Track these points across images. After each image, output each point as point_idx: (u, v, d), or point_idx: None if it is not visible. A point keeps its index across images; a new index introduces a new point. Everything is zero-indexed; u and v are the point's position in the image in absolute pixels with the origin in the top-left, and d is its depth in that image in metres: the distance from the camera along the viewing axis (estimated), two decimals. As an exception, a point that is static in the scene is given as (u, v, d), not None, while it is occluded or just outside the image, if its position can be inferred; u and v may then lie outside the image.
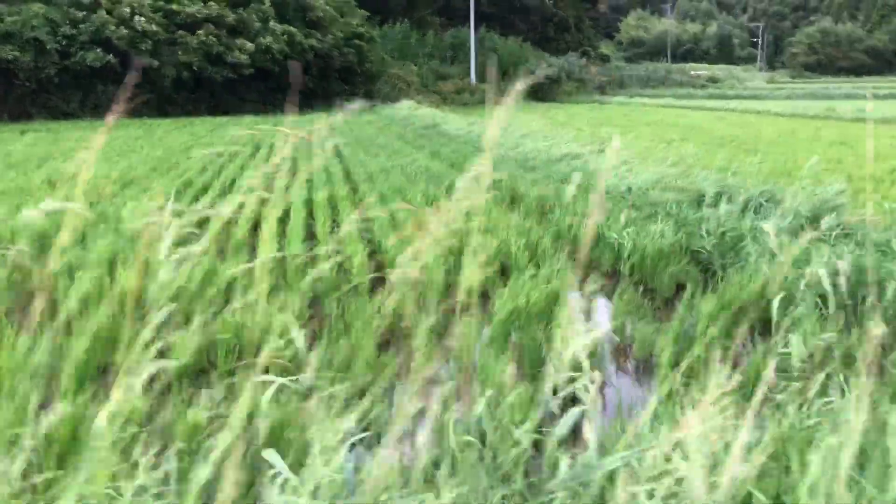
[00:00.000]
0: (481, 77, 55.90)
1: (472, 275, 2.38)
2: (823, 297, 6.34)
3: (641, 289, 7.23)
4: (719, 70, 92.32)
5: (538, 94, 57.03)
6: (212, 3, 34.47)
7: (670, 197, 9.93)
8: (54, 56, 30.88)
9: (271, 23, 36.95)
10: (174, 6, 33.40)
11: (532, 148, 16.61)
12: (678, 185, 10.52)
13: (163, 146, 18.86)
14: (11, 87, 30.99)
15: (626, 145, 16.13)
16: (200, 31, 33.50)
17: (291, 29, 37.95)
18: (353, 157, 16.53)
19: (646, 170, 12.06)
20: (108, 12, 31.65)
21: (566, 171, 13.35)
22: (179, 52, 33.18)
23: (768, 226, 7.96)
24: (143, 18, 32.21)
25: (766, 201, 9.24)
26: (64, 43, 31.02)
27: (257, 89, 38.19)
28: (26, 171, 13.67)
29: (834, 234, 7.82)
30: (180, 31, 33.34)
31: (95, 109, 33.14)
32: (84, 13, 31.60)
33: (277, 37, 36.85)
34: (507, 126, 21.21)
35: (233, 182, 12.93)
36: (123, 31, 31.93)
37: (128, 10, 32.04)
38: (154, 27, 32.27)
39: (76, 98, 32.75)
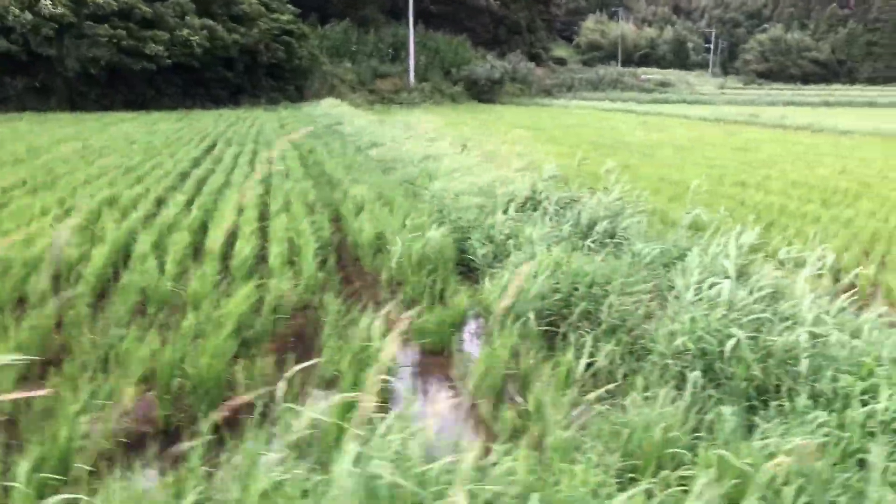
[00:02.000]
0: (421, 76, 55.28)
1: None
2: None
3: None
4: (671, 74, 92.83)
5: (481, 95, 56.63)
6: (124, -4, 33.28)
7: (476, 202, 9.36)
8: (-51, 44, 29.57)
9: (188, 17, 35.86)
10: (83, -6, 32.13)
11: (407, 149, 15.98)
12: (494, 190, 9.95)
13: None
14: None
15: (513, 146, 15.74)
16: (107, 24, 32.25)
17: (211, 23, 36.92)
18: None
19: (486, 173, 11.50)
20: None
21: (415, 172, 12.74)
22: (85, 46, 31.90)
23: (535, 233, 7.44)
24: (49, 2, 30.84)
25: (563, 207, 8.70)
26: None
27: (177, 83, 37.12)
28: None
29: (603, 241, 7.32)
30: (88, 22, 32.06)
31: (4, 101, 31.89)
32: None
33: (196, 30, 35.79)
34: (403, 126, 20.62)
35: None
36: (25, 15, 30.56)
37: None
38: (59, 11, 30.86)
39: (-26, 89, 31.45)
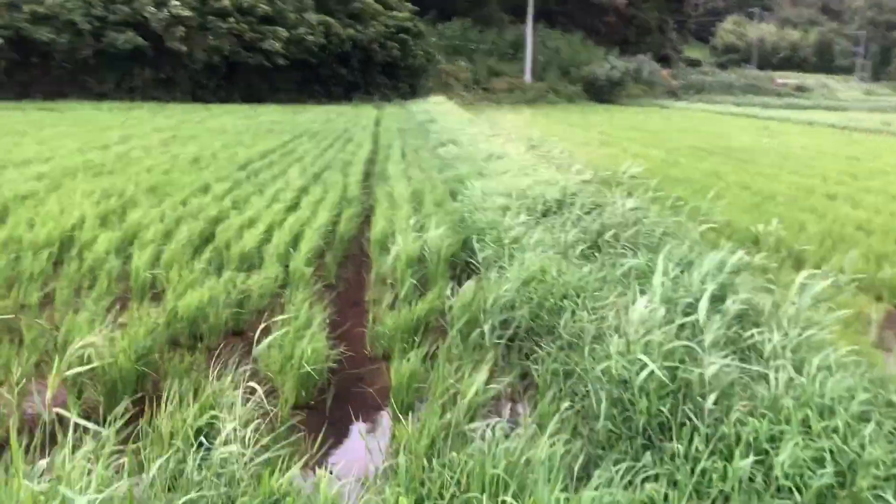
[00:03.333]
0: (539, 76, 54.60)
1: None
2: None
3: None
4: (810, 79, 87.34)
5: (600, 95, 55.31)
6: (244, -6, 34.76)
7: (500, 203, 8.99)
8: (89, 38, 31.77)
9: (308, 13, 36.96)
10: (206, -7, 33.82)
11: (476, 149, 15.72)
12: (527, 192, 9.54)
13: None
14: (49, 67, 32.08)
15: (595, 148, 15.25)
16: (231, 19, 33.80)
17: (329, 20, 37.89)
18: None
19: (536, 174, 11.10)
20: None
21: (467, 171, 12.47)
22: (210, 37, 33.56)
23: (532, 238, 7.05)
24: (178, 3, 32.72)
25: (587, 213, 8.19)
26: (97, 24, 31.85)
27: (293, 78, 38.34)
28: None
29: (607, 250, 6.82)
30: (210, 17, 33.70)
31: (131, 92, 34.01)
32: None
33: (314, 28, 36.84)
34: (490, 125, 20.37)
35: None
36: (159, 14, 32.54)
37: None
38: (187, 12, 32.71)
39: (111, 79, 33.62)
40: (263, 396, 3.72)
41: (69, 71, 32.55)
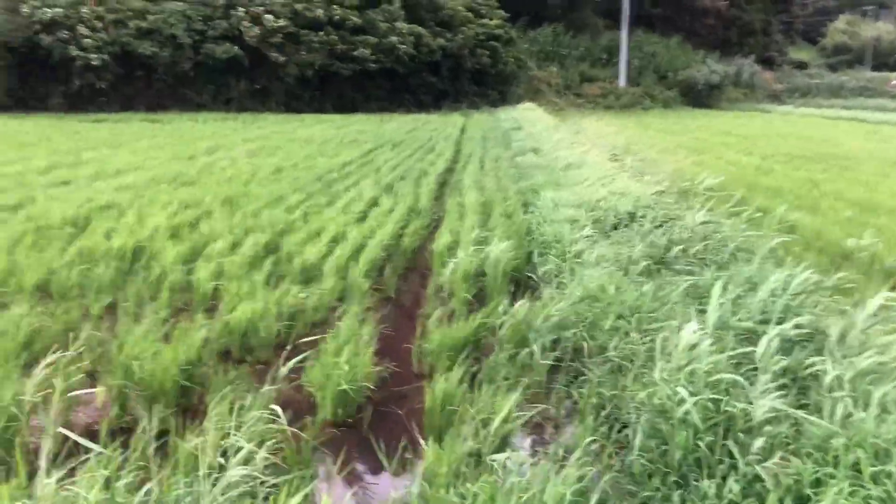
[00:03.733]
0: (634, 80, 53.45)
1: None
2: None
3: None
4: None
5: (697, 100, 53.69)
6: (335, 7, 35.53)
7: (569, 214, 8.76)
8: (188, 51, 33.21)
9: (398, 23, 37.45)
10: (298, 6, 34.71)
11: (556, 157, 15.49)
12: (600, 203, 9.26)
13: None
14: (151, 81, 33.71)
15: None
16: (322, 32, 34.66)
17: (419, 29, 38.26)
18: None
19: (613, 184, 10.80)
20: (245, 10, 33.53)
21: (544, 181, 12.26)
22: (304, 52, 34.50)
23: (594, 254, 6.84)
24: (272, 16, 33.82)
25: (658, 227, 7.85)
26: (197, 38, 33.26)
27: (384, 87, 38.92)
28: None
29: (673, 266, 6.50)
30: (304, 31, 34.66)
31: (227, 103, 35.30)
32: (220, 9, 33.74)
33: (404, 37, 37.30)
34: (574, 132, 20.05)
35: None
36: (255, 28, 33.71)
37: (261, 8, 33.76)
38: (280, 23, 33.76)
39: (209, 91, 35.01)
40: (282, 416, 3.67)
41: (169, 84, 34.08)
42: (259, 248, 7.61)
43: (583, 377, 4.84)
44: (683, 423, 3.46)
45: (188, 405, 4.56)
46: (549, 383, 4.94)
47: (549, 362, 5.03)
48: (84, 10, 31.10)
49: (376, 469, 3.92)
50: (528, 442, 4.02)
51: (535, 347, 5.12)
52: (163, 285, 6.47)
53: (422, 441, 3.78)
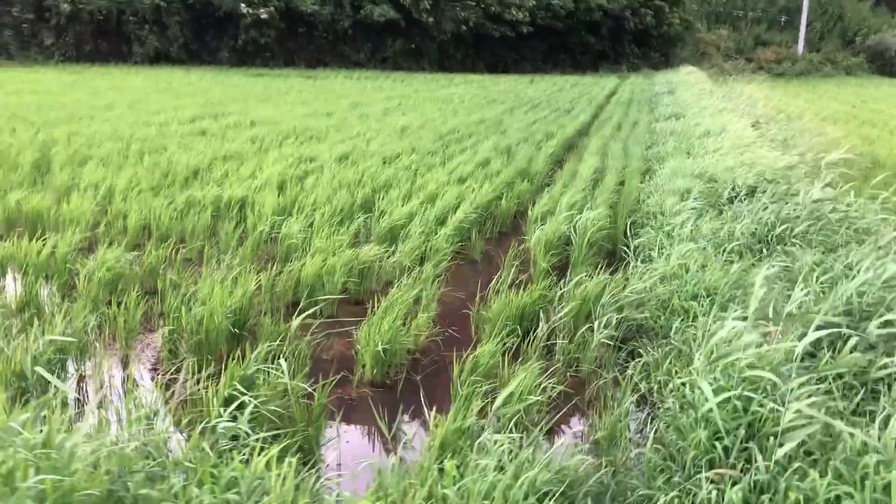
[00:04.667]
0: (814, 45, 49.27)
1: None
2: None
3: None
4: None
5: (889, 68, 48.78)
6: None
7: (682, 185, 8.18)
8: (348, 9, 34.08)
9: (557, -20, 36.55)
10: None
11: (696, 123, 14.57)
12: (725, 175, 8.58)
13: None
14: (311, 38, 34.94)
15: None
16: (478, -10, 34.47)
17: (578, -15, 37.17)
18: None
19: (744, 155, 10.02)
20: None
21: (673, 149, 11.58)
22: (458, 9, 34.45)
23: (684, 230, 6.39)
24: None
25: (774, 203, 7.16)
26: (356, -2, 34.13)
27: (539, 48, 38.21)
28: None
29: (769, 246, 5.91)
30: (460, -12, 34.60)
31: (383, 62, 36.00)
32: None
33: (562, -5, 36.40)
34: (724, 98, 18.84)
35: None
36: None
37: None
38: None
39: (366, 49, 35.82)
40: (285, 370, 3.65)
41: (329, 41, 35.18)
42: (356, 205, 7.67)
43: (639, 360, 4.51)
44: (705, 420, 3.12)
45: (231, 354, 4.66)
46: (601, 365, 4.65)
47: (604, 340, 4.72)
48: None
49: (383, 436, 3.84)
50: (549, 424, 3.77)
51: (596, 324, 4.81)
52: (248, 237, 6.67)
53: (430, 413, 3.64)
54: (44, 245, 5.83)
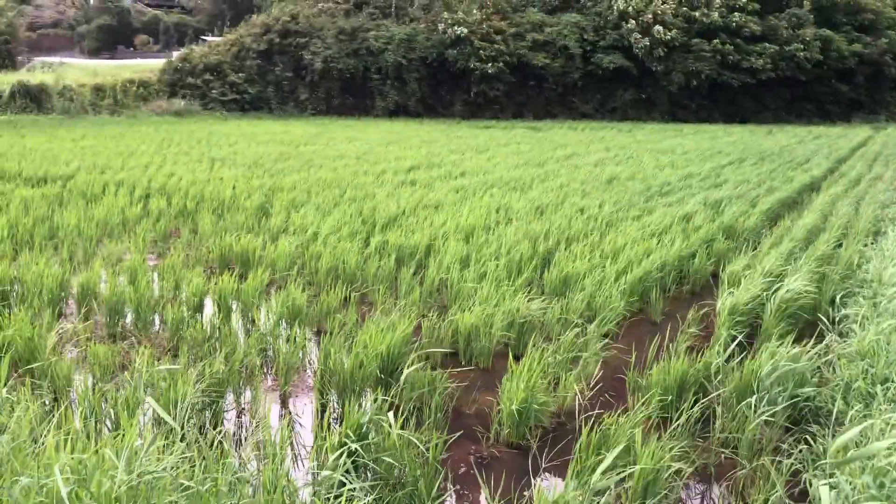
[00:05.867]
0: None
1: None
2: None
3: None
4: None
5: None
6: (736, 14, 33.70)
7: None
8: (578, 62, 34.37)
9: (804, 29, 34.16)
10: (696, 13, 33.68)
11: None
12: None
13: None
14: (541, 90, 35.58)
15: None
16: (716, 41, 33.17)
17: (829, 34, 34.42)
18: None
19: None
20: (635, 20, 33.67)
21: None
22: (690, 60, 33.43)
23: None
24: (662, 28, 33.39)
25: None
26: (588, 49, 34.26)
27: (780, 96, 35.87)
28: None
29: None
30: (695, 39, 33.53)
31: (612, 112, 35.72)
32: (610, 20, 34.32)
33: (808, 43, 33.92)
34: None
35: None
36: (643, 39, 33.59)
37: (650, 17, 33.53)
38: (669, 36, 33.20)
39: (595, 100, 35.77)
40: (393, 423, 3.60)
41: (559, 92, 35.59)
42: (535, 257, 7.57)
43: (803, 447, 3.95)
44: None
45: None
46: (760, 448, 4.12)
47: (768, 419, 4.19)
48: (485, 24, 34.04)
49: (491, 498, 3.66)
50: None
51: (752, 400, 4.29)
52: (424, 281, 6.81)
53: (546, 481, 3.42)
54: (239, 281, 6.36)
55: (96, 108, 31.45)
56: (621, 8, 33.73)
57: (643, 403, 4.39)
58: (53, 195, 10.51)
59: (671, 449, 3.61)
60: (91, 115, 30.29)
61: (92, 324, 5.81)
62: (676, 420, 4.19)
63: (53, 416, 3.58)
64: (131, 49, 56.90)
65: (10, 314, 5.16)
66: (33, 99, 29.80)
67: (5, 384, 3.81)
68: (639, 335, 6.20)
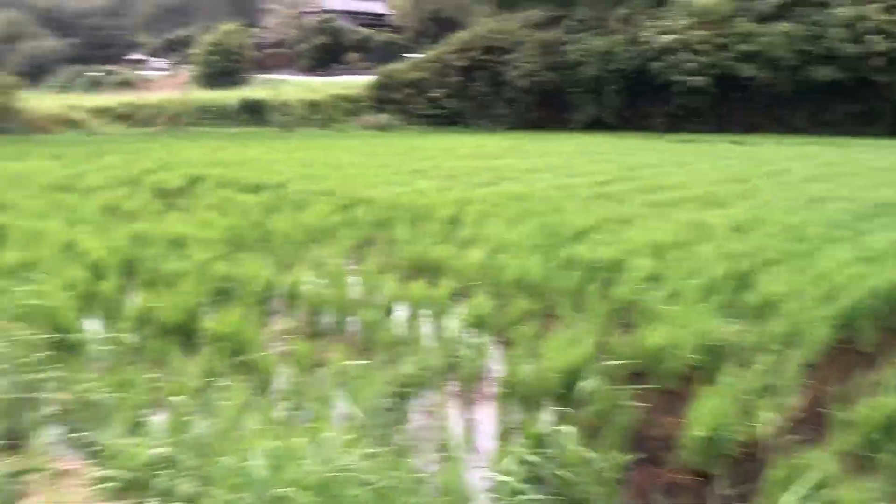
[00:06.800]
0: None
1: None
2: None
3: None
4: None
5: None
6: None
7: None
8: (789, 72, 32.24)
9: None
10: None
11: None
12: None
13: None
14: (746, 102, 33.73)
15: None
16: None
17: None
18: None
19: None
20: (848, 28, 31.15)
21: None
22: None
23: None
24: (875, 37, 30.72)
25: None
26: (799, 60, 32.05)
27: None
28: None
29: None
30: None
31: (824, 125, 33.07)
32: (822, 28, 31.96)
33: None
34: None
35: None
36: (855, 49, 31.00)
37: (873, 25, 30.86)
38: (885, 46, 30.43)
39: (804, 113, 33.33)
40: (574, 439, 3.58)
41: (766, 104, 33.58)
42: (732, 277, 7.21)
43: None
44: None
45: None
46: None
47: None
48: (693, 33, 32.85)
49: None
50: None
51: None
52: (610, 296, 6.70)
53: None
54: (429, 288, 6.63)
55: (309, 121, 33.96)
56: (843, 16, 31.27)
57: (842, 440, 4.05)
58: (267, 201, 11.48)
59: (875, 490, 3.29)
60: (304, 128, 32.77)
61: (295, 322, 6.29)
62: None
63: (257, 404, 3.93)
64: (343, 66, 60.71)
65: (226, 310, 5.72)
66: (255, 113, 32.78)
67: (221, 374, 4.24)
68: (844, 366, 5.71)
